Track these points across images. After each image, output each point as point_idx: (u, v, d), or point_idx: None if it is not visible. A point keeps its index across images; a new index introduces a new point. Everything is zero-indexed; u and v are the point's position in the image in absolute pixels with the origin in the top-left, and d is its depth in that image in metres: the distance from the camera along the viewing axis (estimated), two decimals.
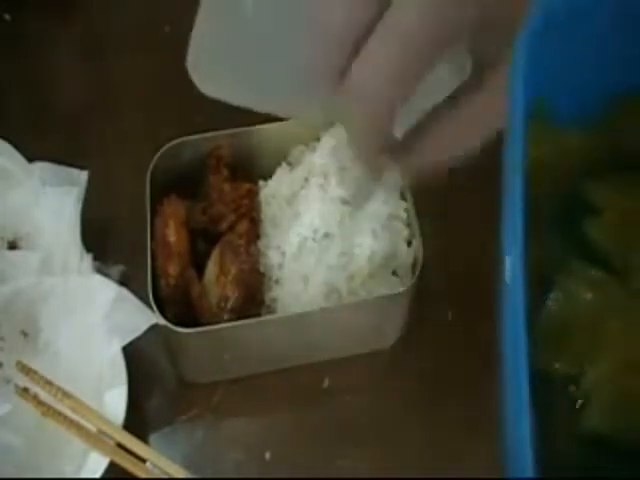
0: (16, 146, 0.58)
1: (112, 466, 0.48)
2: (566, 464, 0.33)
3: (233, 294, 0.52)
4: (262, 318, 0.52)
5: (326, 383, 0.56)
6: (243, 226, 0.55)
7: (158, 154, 0.55)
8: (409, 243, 0.55)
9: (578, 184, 0.35)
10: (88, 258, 0.54)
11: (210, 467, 0.53)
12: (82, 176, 0.56)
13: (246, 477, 0.53)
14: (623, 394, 0.33)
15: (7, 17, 0.71)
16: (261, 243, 0.55)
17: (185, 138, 0.56)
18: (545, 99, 0.33)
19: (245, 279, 0.53)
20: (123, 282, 0.54)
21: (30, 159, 0.57)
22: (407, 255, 0.55)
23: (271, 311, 0.54)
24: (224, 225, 0.55)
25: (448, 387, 0.55)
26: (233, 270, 0.52)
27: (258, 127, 0.57)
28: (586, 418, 0.33)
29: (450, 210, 0.61)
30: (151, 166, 0.55)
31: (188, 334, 0.50)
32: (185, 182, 0.57)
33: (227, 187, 0.56)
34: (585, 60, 0.32)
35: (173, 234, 0.54)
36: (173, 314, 0.51)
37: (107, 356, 0.51)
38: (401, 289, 0.52)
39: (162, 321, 0.50)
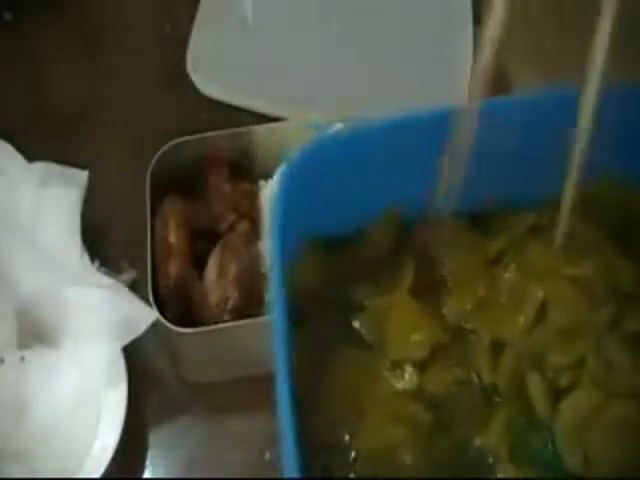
0: (16, 146, 0.58)
1: (112, 466, 0.49)
2: None
3: (233, 294, 0.52)
4: (262, 318, 0.52)
5: None
6: (243, 226, 0.55)
7: (158, 154, 0.55)
8: None
9: (345, 290, 0.44)
10: (87, 259, 0.54)
11: (210, 467, 0.53)
12: (82, 176, 0.56)
13: (246, 477, 0.53)
14: (386, 445, 0.41)
15: (7, 17, 0.71)
16: (261, 243, 0.55)
17: (185, 138, 0.56)
18: (312, 230, 0.42)
19: (245, 279, 0.53)
20: (133, 287, 0.54)
21: (30, 159, 0.57)
22: None
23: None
24: (224, 225, 0.55)
25: None
26: (233, 270, 0.52)
27: (258, 127, 0.57)
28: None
29: None
30: (151, 166, 0.55)
31: (188, 334, 0.50)
32: (185, 182, 0.57)
33: (227, 187, 0.56)
34: (334, 198, 0.42)
35: (173, 234, 0.54)
36: (173, 314, 0.51)
37: (107, 356, 0.51)
38: None
39: (162, 321, 0.50)
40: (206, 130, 0.57)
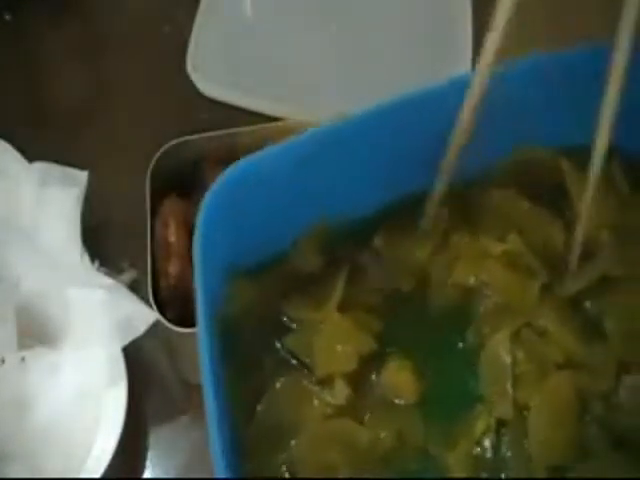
0: (16, 146, 0.58)
1: (112, 466, 0.49)
2: None
3: None
4: None
5: None
6: None
7: (158, 154, 0.55)
8: None
9: (274, 312, 0.44)
10: (87, 259, 0.54)
11: (210, 467, 0.53)
12: (82, 176, 0.56)
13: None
14: (321, 465, 0.40)
15: (7, 17, 0.71)
16: None
17: (185, 138, 0.56)
18: (240, 253, 0.42)
19: None
20: (133, 287, 0.54)
21: (30, 159, 0.57)
22: None
23: None
24: None
25: None
26: None
27: (258, 127, 0.57)
28: None
29: None
30: (151, 166, 0.55)
31: (188, 334, 0.50)
32: (185, 182, 0.57)
33: None
34: (260, 220, 0.42)
35: (173, 234, 0.54)
36: (173, 314, 0.51)
37: (107, 356, 0.51)
38: None
39: (162, 321, 0.50)
40: (206, 130, 0.57)
